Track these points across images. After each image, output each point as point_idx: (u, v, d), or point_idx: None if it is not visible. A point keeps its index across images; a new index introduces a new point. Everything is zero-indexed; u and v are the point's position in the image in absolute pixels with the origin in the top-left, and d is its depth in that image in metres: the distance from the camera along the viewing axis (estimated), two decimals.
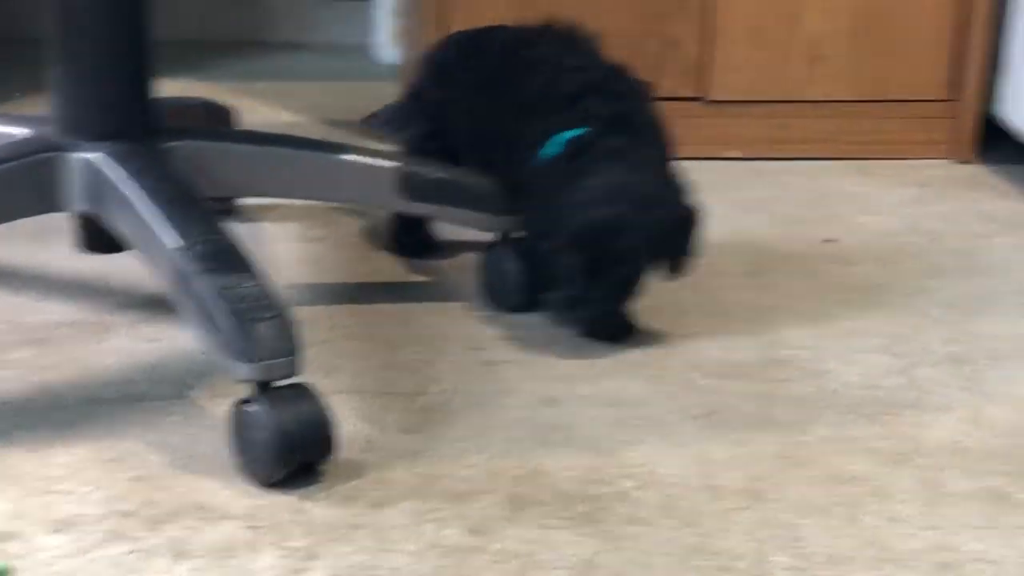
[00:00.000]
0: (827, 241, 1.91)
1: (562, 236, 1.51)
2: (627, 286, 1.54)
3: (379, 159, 1.64)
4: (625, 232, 1.50)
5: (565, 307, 1.56)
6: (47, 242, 1.78)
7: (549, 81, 1.62)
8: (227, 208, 1.87)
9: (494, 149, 1.65)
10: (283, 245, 1.83)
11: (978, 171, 2.21)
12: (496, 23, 2.07)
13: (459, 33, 1.81)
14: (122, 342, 1.54)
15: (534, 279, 1.64)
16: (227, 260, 1.32)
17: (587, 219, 1.50)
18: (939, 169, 2.22)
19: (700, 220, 1.57)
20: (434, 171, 1.64)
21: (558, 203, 1.52)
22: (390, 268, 1.78)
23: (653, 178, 1.55)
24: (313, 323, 1.58)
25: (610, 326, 1.57)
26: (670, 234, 1.54)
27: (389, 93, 2.53)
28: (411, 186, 1.62)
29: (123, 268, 1.71)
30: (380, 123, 1.87)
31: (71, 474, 1.28)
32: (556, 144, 1.56)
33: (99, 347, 1.53)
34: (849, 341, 1.61)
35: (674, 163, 1.60)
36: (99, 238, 1.61)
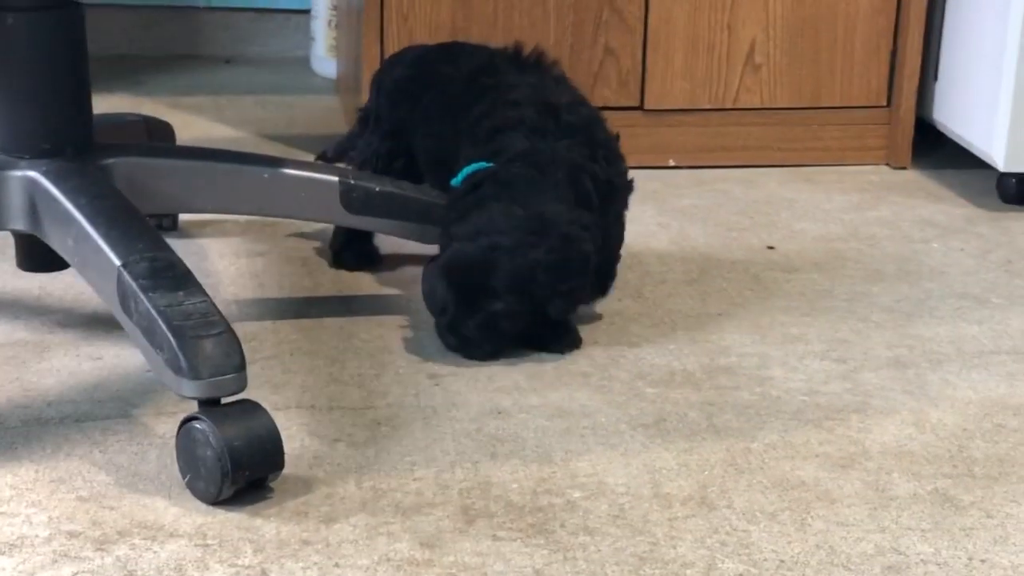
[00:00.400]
0: (770, 248, 1.92)
1: (437, 267, 1.54)
2: (499, 321, 1.53)
3: (321, 173, 1.63)
4: (495, 269, 1.50)
5: (441, 331, 1.57)
6: None
7: (486, 112, 1.64)
8: (166, 223, 1.86)
9: (444, 171, 1.66)
10: (224, 260, 1.81)
11: (914, 176, 2.24)
12: (435, 36, 2.08)
13: (412, 50, 1.81)
14: (63, 361, 1.52)
15: None
16: (170, 277, 1.31)
17: (457, 253, 1.52)
18: (876, 175, 2.24)
19: (589, 259, 1.54)
20: (376, 184, 1.64)
21: (447, 233, 1.54)
22: (333, 282, 1.77)
23: (545, 216, 1.53)
24: (258, 339, 1.58)
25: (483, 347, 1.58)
26: (551, 271, 1.52)
27: (326, 105, 2.53)
28: (353, 199, 1.62)
29: (62, 286, 1.69)
30: (338, 153, 1.86)
31: (16, 495, 1.27)
32: (462, 175, 1.59)
33: (40, 367, 1.51)
34: (792, 347, 1.62)
35: (586, 200, 1.59)
36: (37, 256, 1.59)
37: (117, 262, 1.32)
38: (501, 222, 1.52)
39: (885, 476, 1.34)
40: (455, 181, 1.60)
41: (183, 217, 1.90)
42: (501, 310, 1.52)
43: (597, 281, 1.60)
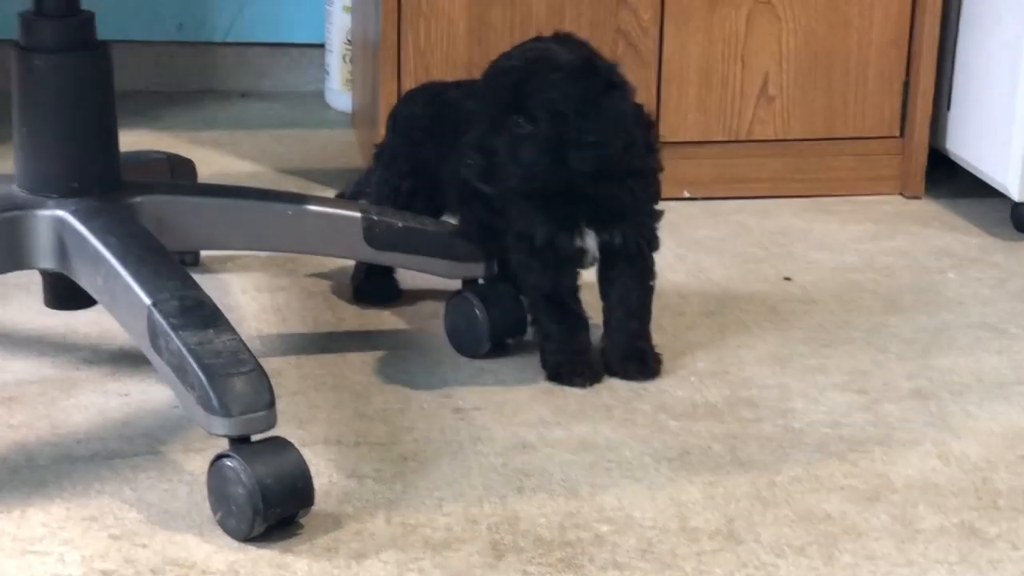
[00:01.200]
0: (786, 279, 1.93)
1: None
2: (524, 143, 1.54)
3: (344, 209, 1.64)
4: (533, 81, 1.54)
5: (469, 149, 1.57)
6: (10, 299, 1.78)
7: None
8: (188, 259, 1.87)
9: (479, 204, 1.66)
10: (247, 295, 1.83)
11: (928, 206, 2.25)
12: (452, 73, 2.09)
13: (427, 88, 1.82)
14: (91, 398, 1.54)
15: (499, 325, 1.65)
16: (199, 315, 1.33)
17: (500, 61, 1.59)
18: (890, 205, 2.25)
19: (625, 120, 1.55)
20: (399, 220, 1.65)
21: None
22: (355, 316, 1.78)
23: (599, 65, 1.56)
24: (282, 374, 1.59)
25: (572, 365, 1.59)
26: (585, 109, 1.53)
27: (341, 139, 2.55)
28: (376, 235, 1.63)
29: (87, 323, 1.70)
30: (355, 192, 1.88)
31: (48, 534, 1.28)
32: None
33: (68, 404, 1.52)
34: (813, 378, 1.63)
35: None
36: (64, 294, 1.60)
37: (147, 301, 1.33)
38: (557, 51, 1.55)
39: (911, 509, 1.35)
40: None
41: (204, 252, 1.91)
42: (528, 132, 1.52)
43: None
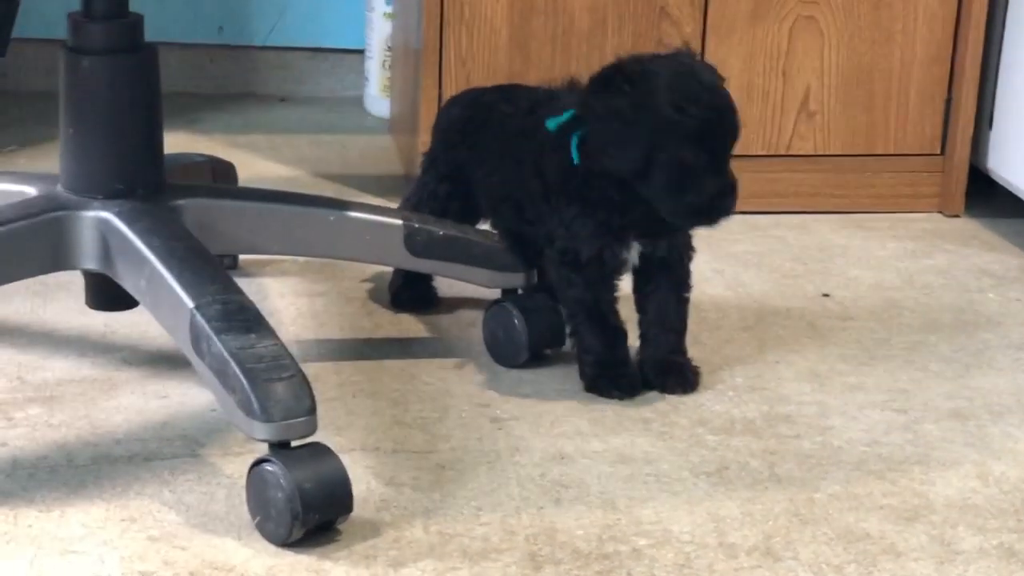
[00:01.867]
0: (825, 295, 1.93)
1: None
2: (626, 111, 1.51)
3: (385, 216, 1.65)
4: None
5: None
6: (51, 299, 1.78)
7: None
8: (227, 262, 1.88)
9: (509, 209, 1.67)
10: (284, 300, 1.83)
11: (968, 224, 2.24)
12: (492, 80, 2.09)
13: (470, 92, 1.82)
14: (130, 399, 1.54)
15: (538, 335, 1.65)
16: (242, 320, 1.33)
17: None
18: (929, 223, 2.24)
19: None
20: (440, 228, 1.65)
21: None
22: (393, 323, 1.79)
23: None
24: (320, 379, 1.59)
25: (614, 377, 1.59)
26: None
27: (379, 145, 2.55)
28: (417, 243, 1.63)
29: (127, 324, 1.71)
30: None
31: (87, 534, 1.28)
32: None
33: (108, 404, 1.53)
34: (852, 396, 1.62)
35: None
36: (105, 295, 1.61)
37: (190, 304, 1.34)
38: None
39: (950, 530, 1.34)
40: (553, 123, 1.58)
41: (243, 256, 1.92)
42: (627, 103, 1.50)
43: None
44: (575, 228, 1.57)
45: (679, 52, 1.56)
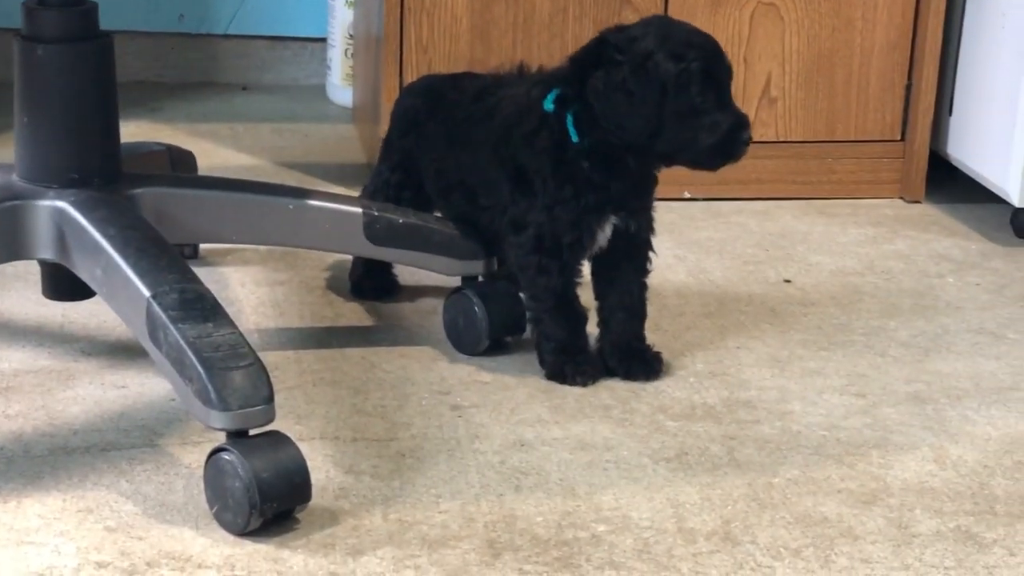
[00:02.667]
0: (786, 281, 1.93)
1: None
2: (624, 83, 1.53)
3: (345, 204, 1.64)
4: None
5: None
6: (8, 288, 1.77)
7: (492, 110, 1.64)
8: (187, 252, 1.87)
9: (454, 195, 1.66)
10: (245, 289, 1.82)
11: (928, 210, 2.25)
12: (453, 68, 2.09)
13: (424, 80, 1.81)
14: (88, 389, 1.53)
15: (498, 322, 1.65)
16: (199, 308, 1.32)
17: None
18: (890, 209, 2.25)
19: None
20: (400, 216, 1.65)
21: None
22: (354, 311, 1.78)
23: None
24: (280, 368, 1.59)
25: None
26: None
27: (342, 134, 2.54)
28: (377, 231, 1.63)
29: (85, 314, 1.70)
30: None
31: (44, 525, 1.27)
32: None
33: (65, 395, 1.52)
34: (811, 381, 1.63)
35: None
36: (62, 285, 1.60)
37: (147, 293, 1.33)
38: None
39: (908, 513, 1.35)
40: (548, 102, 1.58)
41: (203, 245, 1.91)
42: (627, 71, 1.51)
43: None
44: (558, 212, 1.56)
45: (653, 15, 1.59)
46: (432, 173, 1.70)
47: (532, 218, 1.58)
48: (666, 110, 1.51)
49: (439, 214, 1.73)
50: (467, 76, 1.77)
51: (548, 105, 1.56)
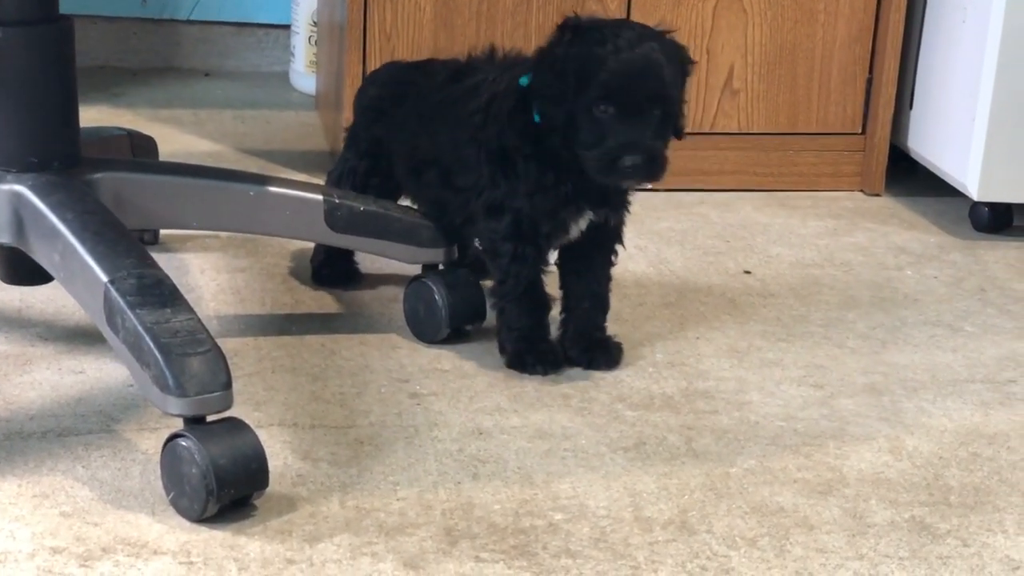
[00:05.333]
0: (746, 272, 1.94)
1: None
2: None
3: (305, 191, 1.64)
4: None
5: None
6: None
7: (471, 91, 1.63)
8: (148, 238, 1.86)
9: (425, 176, 1.66)
10: (206, 276, 1.82)
11: (888, 203, 2.26)
12: (417, 56, 2.09)
13: (388, 68, 1.81)
14: (45, 375, 1.53)
15: (458, 311, 1.65)
16: (157, 294, 1.32)
17: None
18: (850, 201, 2.26)
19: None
20: (360, 203, 1.65)
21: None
22: (314, 299, 1.78)
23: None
24: (240, 355, 1.58)
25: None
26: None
27: (305, 121, 2.54)
28: (338, 218, 1.62)
29: (43, 299, 1.69)
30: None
31: None
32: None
33: (21, 380, 1.51)
34: (770, 372, 1.64)
35: None
36: (20, 269, 1.59)
37: (104, 278, 1.32)
38: (657, 34, 1.53)
39: (863, 503, 1.36)
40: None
41: (164, 232, 1.90)
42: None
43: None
44: (538, 199, 1.56)
45: (640, 24, 1.56)
46: (403, 155, 1.70)
47: (511, 204, 1.57)
48: (576, 114, 1.50)
49: (408, 199, 1.73)
50: (434, 62, 1.77)
51: (523, 81, 1.57)
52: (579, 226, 1.59)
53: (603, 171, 1.51)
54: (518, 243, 1.58)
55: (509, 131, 1.57)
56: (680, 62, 1.53)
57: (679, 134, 1.57)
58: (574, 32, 1.52)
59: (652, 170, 1.51)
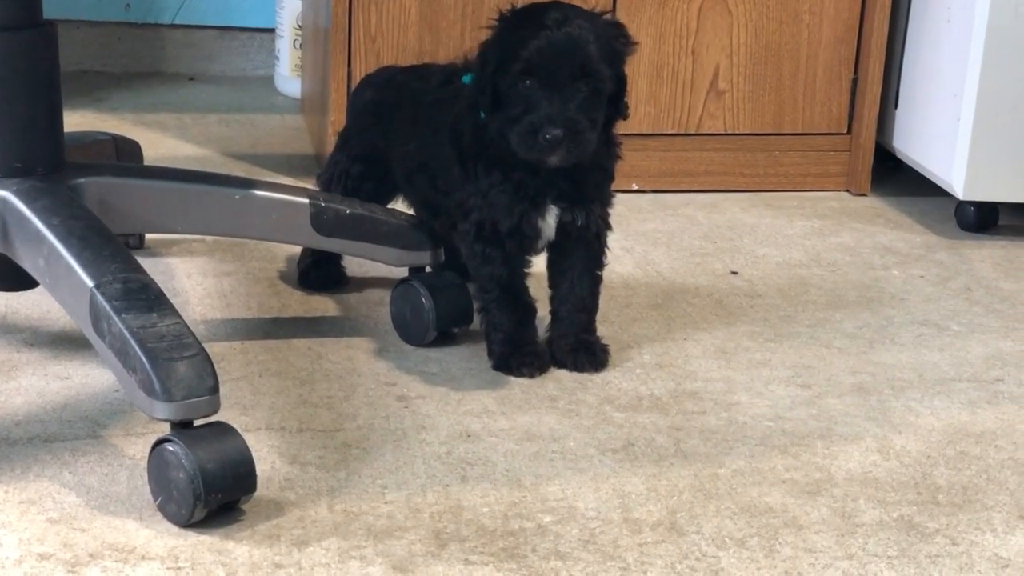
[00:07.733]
0: (733, 273, 1.94)
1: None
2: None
3: (291, 195, 1.63)
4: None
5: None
6: None
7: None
8: (133, 242, 1.86)
9: (424, 178, 1.66)
10: (192, 280, 1.81)
11: (873, 203, 2.27)
12: (402, 59, 2.09)
13: (383, 72, 1.81)
14: (31, 380, 1.52)
15: (445, 313, 1.65)
16: (143, 299, 1.31)
17: None
18: (836, 201, 2.27)
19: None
20: (347, 207, 1.64)
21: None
22: (300, 303, 1.77)
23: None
24: (226, 359, 1.58)
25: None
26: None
27: (290, 125, 2.53)
28: (324, 222, 1.62)
29: (28, 304, 1.69)
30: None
31: None
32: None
33: (7, 386, 1.50)
34: (757, 372, 1.64)
35: None
36: (5, 275, 1.59)
37: (90, 283, 1.32)
38: (587, 12, 1.54)
39: (851, 503, 1.36)
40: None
41: (150, 236, 1.90)
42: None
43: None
44: (492, 198, 1.56)
45: (571, 5, 1.55)
46: (399, 158, 1.70)
47: (473, 204, 1.58)
48: (499, 86, 1.51)
49: (405, 203, 1.73)
50: (429, 66, 1.77)
51: (466, 79, 1.58)
52: (548, 224, 1.58)
53: (524, 146, 1.51)
54: (485, 245, 1.58)
55: (464, 131, 1.57)
56: (612, 39, 1.53)
57: (623, 114, 1.56)
58: (503, 19, 1.54)
59: (574, 145, 1.50)
